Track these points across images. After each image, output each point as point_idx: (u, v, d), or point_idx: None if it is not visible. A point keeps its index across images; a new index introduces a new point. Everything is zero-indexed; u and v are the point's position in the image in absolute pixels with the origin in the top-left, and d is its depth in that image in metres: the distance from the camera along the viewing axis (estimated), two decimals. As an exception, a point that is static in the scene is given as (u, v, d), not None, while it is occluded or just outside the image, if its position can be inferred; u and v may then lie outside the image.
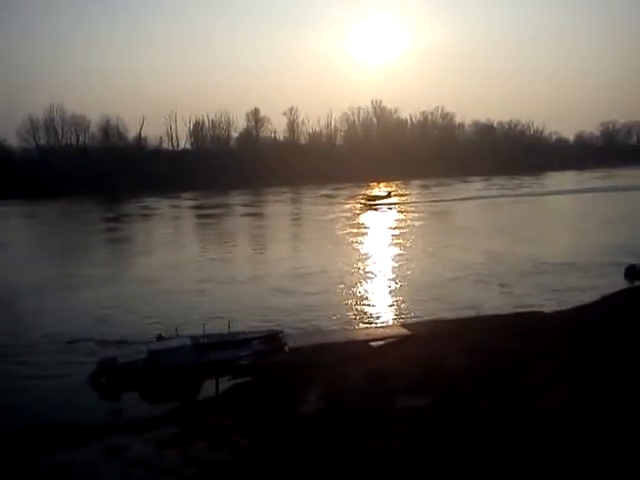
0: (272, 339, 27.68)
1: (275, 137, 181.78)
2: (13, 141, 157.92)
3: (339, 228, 72.44)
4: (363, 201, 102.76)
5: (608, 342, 22.08)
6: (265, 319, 32.40)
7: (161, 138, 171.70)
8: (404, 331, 28.87)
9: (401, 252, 54.79)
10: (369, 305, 36.62)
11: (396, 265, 48.73)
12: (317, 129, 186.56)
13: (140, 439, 17.95)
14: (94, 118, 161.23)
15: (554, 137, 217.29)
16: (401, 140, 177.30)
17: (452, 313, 31.74)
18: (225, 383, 24.52)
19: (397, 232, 68.12)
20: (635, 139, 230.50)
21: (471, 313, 30.45)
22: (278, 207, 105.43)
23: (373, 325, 32.02)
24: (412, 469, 14.66)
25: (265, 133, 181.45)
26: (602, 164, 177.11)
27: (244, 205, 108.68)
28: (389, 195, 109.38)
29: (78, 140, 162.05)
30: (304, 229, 78.41)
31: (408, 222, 77.38)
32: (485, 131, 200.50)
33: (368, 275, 45.23)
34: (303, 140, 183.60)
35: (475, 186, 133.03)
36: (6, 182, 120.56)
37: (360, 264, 49.37)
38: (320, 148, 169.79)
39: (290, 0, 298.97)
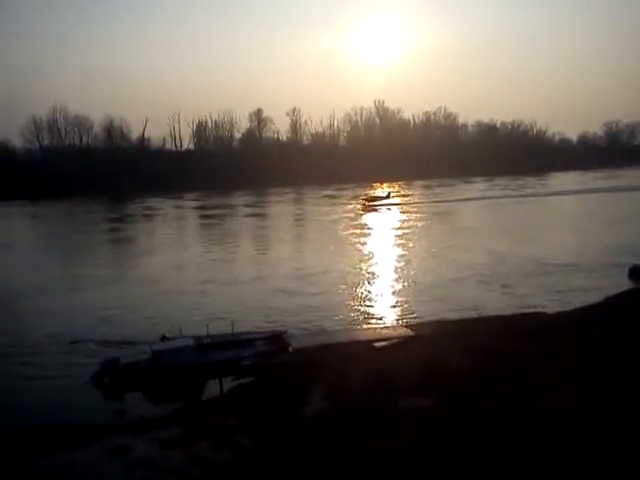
0: (276, 339, 27.69)
1: (278, 137, 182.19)
2: (17, 142, 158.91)
3: (342, 229, 72.43)
4: (363, 202, 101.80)
5: (612, 343, 22.03)
6: (268, 319, 32.41)
7: (164, 139, 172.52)
8: (407, 332, 28.86)
9: (404, 252, 54.75)
10: (372, 306, 36.59)
11: (399, 265, 48.70)
12: (320, 129, 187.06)
13: (143, 439, 17.98)
14: (97, 119, 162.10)
15: (557, 137, 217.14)
16: (404, 140, 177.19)
17: (455, 314, 31.70)
18: (229, 383, 24.52)
19: (400, 232, 68.09)
20: (639, 139, 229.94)
21: (474, 314, 30.41)
22: (281, 207, 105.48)
23: (376, 326, 31.99)
24: (415, 469, 14.65)
25: (268, 134, 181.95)
26: (606, 164, 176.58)
27: (247, 205, 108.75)
28: (389, 196, 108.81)
29: (81, 141, 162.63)
30: (307, 230, 78.42)
31: (411, 223, 77.33)
32: (488, 131, 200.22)
33: (371, 275, 45.21)
34: (306, 140, 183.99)
35: (478, 186, 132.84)
36: (10, 183, 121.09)
37: (363, 265, 49.35)
38: (323, 148, 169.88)
39: (293, 0, 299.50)
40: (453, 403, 18.53)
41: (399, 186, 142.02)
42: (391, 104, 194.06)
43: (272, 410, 19.98)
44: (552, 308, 32.26)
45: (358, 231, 70.00)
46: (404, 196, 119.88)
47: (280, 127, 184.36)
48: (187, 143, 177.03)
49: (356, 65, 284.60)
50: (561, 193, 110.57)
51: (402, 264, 49.11)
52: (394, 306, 36.30)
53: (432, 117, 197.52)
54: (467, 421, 16.96)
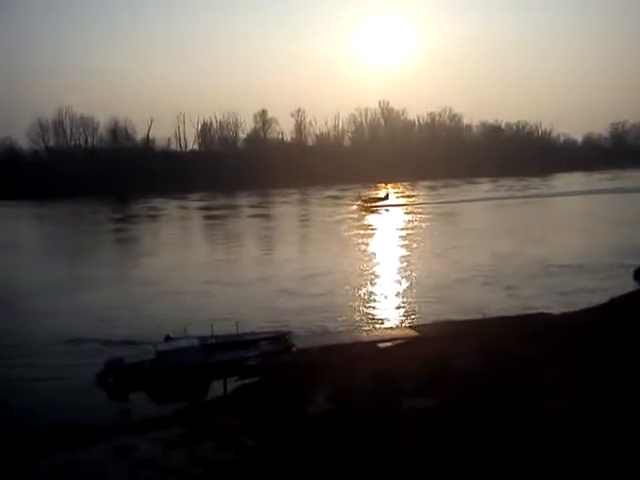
0: (280, 340, 27.70)
1: (282, 138, 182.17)
2: (23, 143, 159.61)
3: (345, 229, 72.44)
4: (360, 203, 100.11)
5: (617, 344, 21.96)
6: (273, 320, 32.41)
7: (169, 139, 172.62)
8: (411, 332, 28.82)
9: (408, 253, 54.72)
10: (376, 307, 36.59)
11: (403, 266, 48.67)
12: (324, 130, 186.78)
13: (147, 439, 18.02)
14: (102, 120, 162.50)
15: (562, 138, 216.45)
16: (408, 141, 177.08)
17: (459, 315, 31.63)
18: (233, 384, 24.58)
19: (404, 233, 68.04)
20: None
21: (478, 315, 30.38)
22: (285, 208, 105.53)
23: (380, 326, 32.00)
24: (417, 470, 14.64)
25: (272, 134, 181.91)
26: (611, 165, 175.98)
27: (251, 206, 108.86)
28: (387, 197, 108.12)
29: (87, 142, 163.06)
30: (311, 230, 78.44)
31: (415, 223, 77.26)
32: (493, 132, 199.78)
33: (375, 276, 45.20)
34: (310, 141, 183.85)
35: (483, 187, 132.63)
36: (16, 183, 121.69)
37: (366, 265, 49.35)
38: (327, 149, 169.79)
39: (297, 1, 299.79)
40: (457, 404, 18.50)
41: (403, 187, 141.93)
42: (396, 105, 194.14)
43: (276, 411, 20.00)
44: (557, 309, 32.18)
45: (362, 232, 69.98)
46: (408, 197, 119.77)
47: (285, 128, 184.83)
48: (192, 144, 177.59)
49: (361, 66, 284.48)
50: (566, 194, 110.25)
51: (406, 265, 49.07)
52: (398, 307, 36.28)
53: (437, 118, 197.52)
54: (471, 422, 16.94)
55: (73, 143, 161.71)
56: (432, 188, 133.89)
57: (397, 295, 39.33)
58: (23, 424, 20.37)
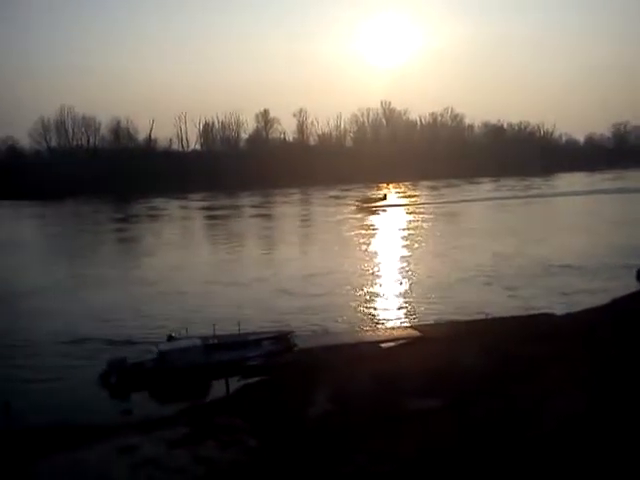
0: (282, 340, 27.71)
1: (285, 138, 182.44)
2: (25, 143, 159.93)
3: (347, 229, 72.44)
4: (357, 204, 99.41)
5: (619, 345, 21.94)
6: (274, 320, 32.40)
7: (171, 139, 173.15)
8: (413, 332, 28.79)
9: (409, 253, 54.69)
10: (378, 306, 36.56)
11: (404, 266, 48.64)
12: (326, 130, 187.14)
13: (150, 439, 18.05)
14: (104, 120, 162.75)
15: (564, 138, 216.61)
16: (410, 141, 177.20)
17: (461, 315, 31.63)
18: (235, 383, 24.58)
19: (405, 233, 68.03)
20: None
21: (481, 315, 30.35)
22: (287, 208, 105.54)
23: (382, 326, 31.97)
24: (420, 471, 14.65)
25: (274, 134, 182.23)
26: (613, 165, 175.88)
27: (253, 206, 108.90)
28: (385, 197, 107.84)
29: (89, 142, 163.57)
30: (312, 230, 78.41)
31: (417, 223, 77.23)
32: (495, 132, 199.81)
33: (376, 276, 45.19)
34: (312, 141, 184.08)
35: (484, 187, 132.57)
36: (18, 183, 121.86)
37: (368, 265, 49.33)
38: (329, 149, 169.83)
39: (301, 1, 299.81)
40: (460, 404, 18.49)
41: (405, 187, 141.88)
42: (398, 105, 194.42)
43: (278, 411, 20.01)
44: (559, 310, 32.13)
45: (363, 232, 69.96)
46: (410, 197, 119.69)
47: (287, 128, 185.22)
48: (194, 144, 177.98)
49: (363, 66, 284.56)
50: (568, 194, 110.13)
51: (407, 265, 49.04)
52: (399, 307, 36.26)
53: (439, 118, 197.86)
54: (474, 423, 16.93)
55: (75, 143, 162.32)
56: (434, 188, 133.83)
57: (399, 295, 39.30)
58: (26, 424, 20.39)
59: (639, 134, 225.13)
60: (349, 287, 40.90)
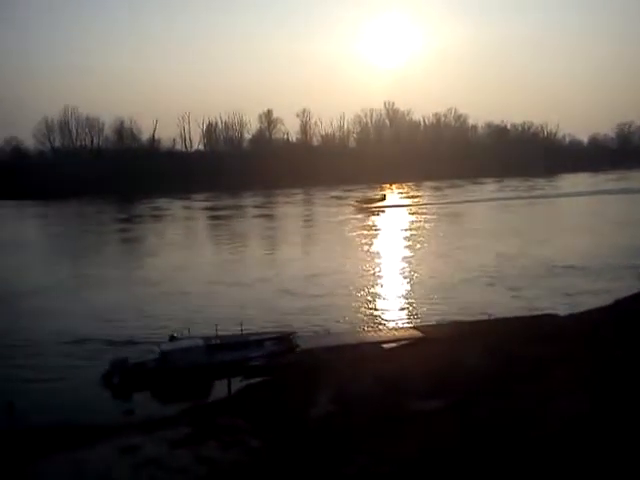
0: (284, 340, 27.69)
1: (288, 139, 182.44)
2: (29, 143, 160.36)
3: (349, 230, 72.38)
4: (357, 204, 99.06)
5: (622, 345, 21.86)
6: (276, 320, 32.40)
7: (174, 140, 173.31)
8: (416, 333, 28.74)
9: (412, 254, 54.61)
10: (380, 307, 36.52)
11: (407, 267, 48.58)
12: (330, 131, 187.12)
13: (152, 439, 18.06)
14: (108, 120, 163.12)
15: (568, 139, 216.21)
16: (414, 142, 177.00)
17: (464, 315, 31.56)
18: (237, 384, 24.57)
19: (408, 234, 67.95)
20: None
21: (484, 315, 30.27)
22: (289, 208, 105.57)
23: (385, 327, 31.92)
24: (423, 472, 14.60)
25: (278, 135, 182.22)
26: (617, 166, 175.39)
27: (256, 206, 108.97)
28: (384, 198, 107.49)
29: (92, 142, 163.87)
30: (315, 230, 78.40)
31: (420, 224, 77.13)
32: (498, 133, 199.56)
33: (379, 277, 45.15)
34: (315, 142, 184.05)
35: (488, 188, 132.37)
36: (22, 183, 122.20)
37: (371, 266, 49.29)
38: (332, 150, 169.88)
39: (304, 1, 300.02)
40: (464, 405, 18.44)
41: (408, 187, 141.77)
42: (401, 106, 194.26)
43: (280, 411, 19.99)
44: (562, 310, 32.03)
45: (366, 232, 69.93)
46: (413, 197, 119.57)
47: (290, 128, 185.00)
48: (197, 144, 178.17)
49: (366, 66, 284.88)
50: (571, 195, 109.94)
51: (410, 265, 48.98)
52: (402, 307, 36.21)
53: (442, 119, 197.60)
54: (477, 423, 16.88)
55: (79, 143, 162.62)
56: (437, 188, 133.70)
57: (401, 295, 39.25)
58: (29, 424, 20.42)
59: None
60: (351, 288, 40.85)
